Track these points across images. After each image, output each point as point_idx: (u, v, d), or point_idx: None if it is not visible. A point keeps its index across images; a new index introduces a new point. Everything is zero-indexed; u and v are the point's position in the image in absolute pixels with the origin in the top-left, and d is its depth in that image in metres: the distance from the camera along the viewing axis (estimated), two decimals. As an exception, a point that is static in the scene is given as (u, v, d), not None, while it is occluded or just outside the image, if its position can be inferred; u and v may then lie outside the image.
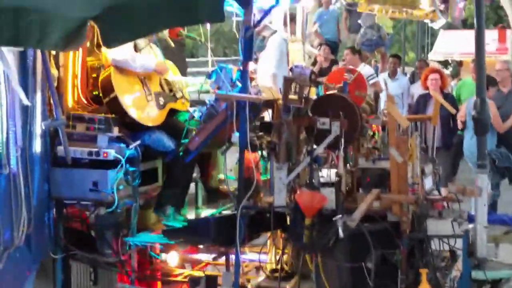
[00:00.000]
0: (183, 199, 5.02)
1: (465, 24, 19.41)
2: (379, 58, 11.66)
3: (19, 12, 2.87)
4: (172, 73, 5.29)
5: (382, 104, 5.19)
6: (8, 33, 2.90)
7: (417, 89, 10.00)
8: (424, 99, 8.83)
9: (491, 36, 18.36)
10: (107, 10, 2.91)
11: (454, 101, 8.90)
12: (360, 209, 3.89)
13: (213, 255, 4.75)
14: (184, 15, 3.40)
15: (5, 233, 3.95)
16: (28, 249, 4.23)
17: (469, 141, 8.35)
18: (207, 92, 5.19)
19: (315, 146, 4.20)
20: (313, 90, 4.85)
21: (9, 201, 4.02)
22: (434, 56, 18.19)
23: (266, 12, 4.49)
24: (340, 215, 3.88)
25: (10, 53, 3.86)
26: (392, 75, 10.43)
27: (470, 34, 19.71)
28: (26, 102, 4.02)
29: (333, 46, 10.85)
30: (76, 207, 4.69)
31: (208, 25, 5.68)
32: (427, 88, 8.72)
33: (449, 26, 15.24)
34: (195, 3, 3.34)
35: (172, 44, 5.33)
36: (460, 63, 17.47)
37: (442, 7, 4.55)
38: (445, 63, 19.48)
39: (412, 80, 12.18)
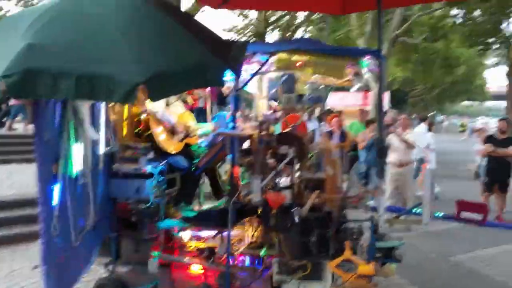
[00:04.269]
0: (192, 197, 4.98)
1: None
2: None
3: (94, 78, 2.81)
4: (189, 120, 5.24)
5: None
6: (86, 91, 2.82)
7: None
8: (330, 133, 8.67)
9: (360, 96, 19.11)
10: (152, 77, 2.85)
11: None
12: (308, 204, 3.92)
13: (213, 233, 4.70)
14: (201, 80, 3.37)
15: (80, 222, 3.87)
16: (95, 231, 4.14)
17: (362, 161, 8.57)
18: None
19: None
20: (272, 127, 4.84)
21: (84, 200, 3.94)
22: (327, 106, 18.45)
23: (248, 80, 4.48)
24: (296, 208, 3.90)
25: (85, 105, 3.82)
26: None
27: (347, 94, 20.35)
28: (95, 136, 3.97)
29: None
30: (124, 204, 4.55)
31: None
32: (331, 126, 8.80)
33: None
34: (207, 73, 3.32)
35: (192, 100, 5.31)
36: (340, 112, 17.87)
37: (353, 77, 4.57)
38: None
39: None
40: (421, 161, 10.04)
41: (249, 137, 4.65)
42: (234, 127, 4.26)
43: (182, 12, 3.68)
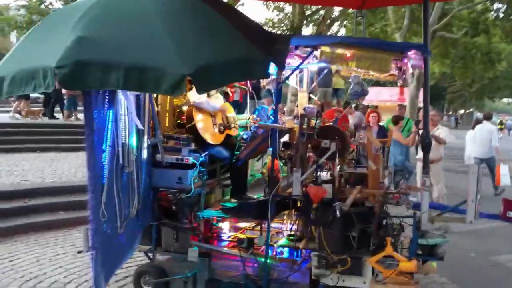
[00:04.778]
0: (244, 187, 5.00)
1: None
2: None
3: (142, 69, 2.85)
4: (229, 111, 5.25)
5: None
6: (135, 83, 2.86)
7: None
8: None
9: (395, 91, 18.77)
10: (199, 68, 2.87)
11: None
12: (350, 199, 3.87)
13: (252, 224, 4.73)
14: (246, 73, 3.38)
15: (125, 210, 3.94)
16: (137, 219, 4.21)
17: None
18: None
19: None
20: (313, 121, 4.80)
21: (128, 189, 4.01)
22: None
23: (291, 73, 4.45)
24: (337, 202, 3.87)
25: (131, 96, 3.88)
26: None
27: (384, 89, 20.03)
28: (140, 127, 4.03)
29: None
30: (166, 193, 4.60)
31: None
32: (369, 122, 8.69)
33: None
34: (252, 66, 3.34)
35: (230, 93, 5.32)
36: (376, 107, 17.45)
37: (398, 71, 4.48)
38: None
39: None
40: (492, 160, 10.09)
41: (290, 130, 4.65)
42: (276, 120, 4.24)
43: (226, 4, 3.67)
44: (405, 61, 4.25)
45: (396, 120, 9.28)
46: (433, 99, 29.91)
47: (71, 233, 6.65)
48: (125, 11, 3.25)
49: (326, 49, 3.97)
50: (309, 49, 4.14)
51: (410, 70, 4.31)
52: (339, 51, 3.97)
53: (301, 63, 4.24)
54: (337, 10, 23.44)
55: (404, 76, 4.33)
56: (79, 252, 4.83)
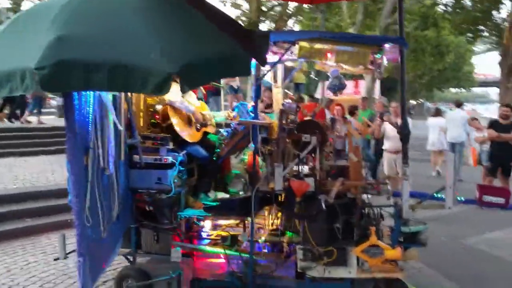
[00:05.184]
0: (210, 187, 4.95)
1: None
2: None
3: (127, 69, 2.73)
4: (204, 109, 5.17)
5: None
6: (121, 83, 2.76)
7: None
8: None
9: (350, 84, 19.23)
10: (184, 67, 2.79)
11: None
12: (333, 191, 3.91)
13: (235, 221, 4.67)
14: (229, 70, 3.34)
15: (108, 213, 3.81)
16: (118, 222, 4.10)
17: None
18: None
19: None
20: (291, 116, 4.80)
21: (109, 192, 3.89)
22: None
23: (269, 70, 4.43)
24: (322, 195, 3.90)
25: (109, 95, 3.76)
26: None
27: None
28: (120, 128, 3.92)
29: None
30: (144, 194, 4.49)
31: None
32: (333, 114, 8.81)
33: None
34: (235, 63, 3.30)
35: (204, 91, 5.23)
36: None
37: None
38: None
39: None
40: (462, 144, 10.62)
41: (269, 126, 4.64)
42: (256, 116, 4.22)
43: (203, 1, 3.60)
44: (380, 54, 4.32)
45: (351, 110, 9.50)
46: (387, 91, 30.71)
47: (40, 240, 6.39)
48: (104, 8, 3.11)
49: (305, 44, 3.97)
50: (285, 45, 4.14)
51: (385, 63, 4.39)
52: (318, 45, 3.99)
53: (279, 59, 4.24)
54: (291, 6, 23.69)
55: (379, 69, 4.40)
56: (55, 259, 4.67)
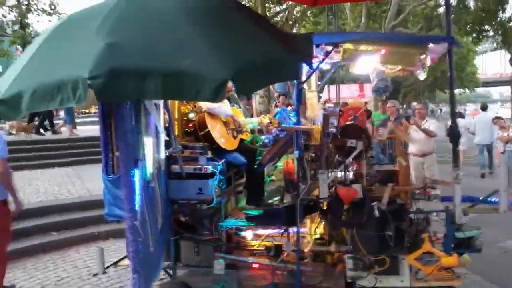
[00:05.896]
0: (260, 195, 4.80)
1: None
2: None
3: (181, 76, 2.60)
4: (238, 116, 5.03)
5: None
6: (174, 90, 2.63)
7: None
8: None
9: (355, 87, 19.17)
10: (238, 72, 2.65)
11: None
12: (385, 197, 3.77)
13: (279, 230, 4.51)
14: (280, 74, 3.20)
15: (154, 227, 3.67)
16: (161, 235, 3.95)
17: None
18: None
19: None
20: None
21: (154, 204, 3.74)
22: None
23: (309, 75, 4.30)
24: (375, 202, 3.74)
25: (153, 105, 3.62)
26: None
27: (343, 86, 20.54)
28: (165, 137, 3.79)
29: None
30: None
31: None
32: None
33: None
34: (285, 67, 3.15)
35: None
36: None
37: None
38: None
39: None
40: (490, 146, 10.53)
41: (310, 131, 4.50)
42: (299, 122, 4.09)
43: (246, 6, 3.50)
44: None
45: (368, 114, 9.40)
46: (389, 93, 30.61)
47: (69, 254, 6.24)
48: (151, 12, 2.98)
49: (349, 46, 3.84)
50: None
51: (428, 63, 4.25)
52: (363, 47, 3.86)
53: (323, 60, 4.09)
54: (296, 11, 23.63)
55: (424, 69, 4.25)
56: (94, 274, 4.53)
